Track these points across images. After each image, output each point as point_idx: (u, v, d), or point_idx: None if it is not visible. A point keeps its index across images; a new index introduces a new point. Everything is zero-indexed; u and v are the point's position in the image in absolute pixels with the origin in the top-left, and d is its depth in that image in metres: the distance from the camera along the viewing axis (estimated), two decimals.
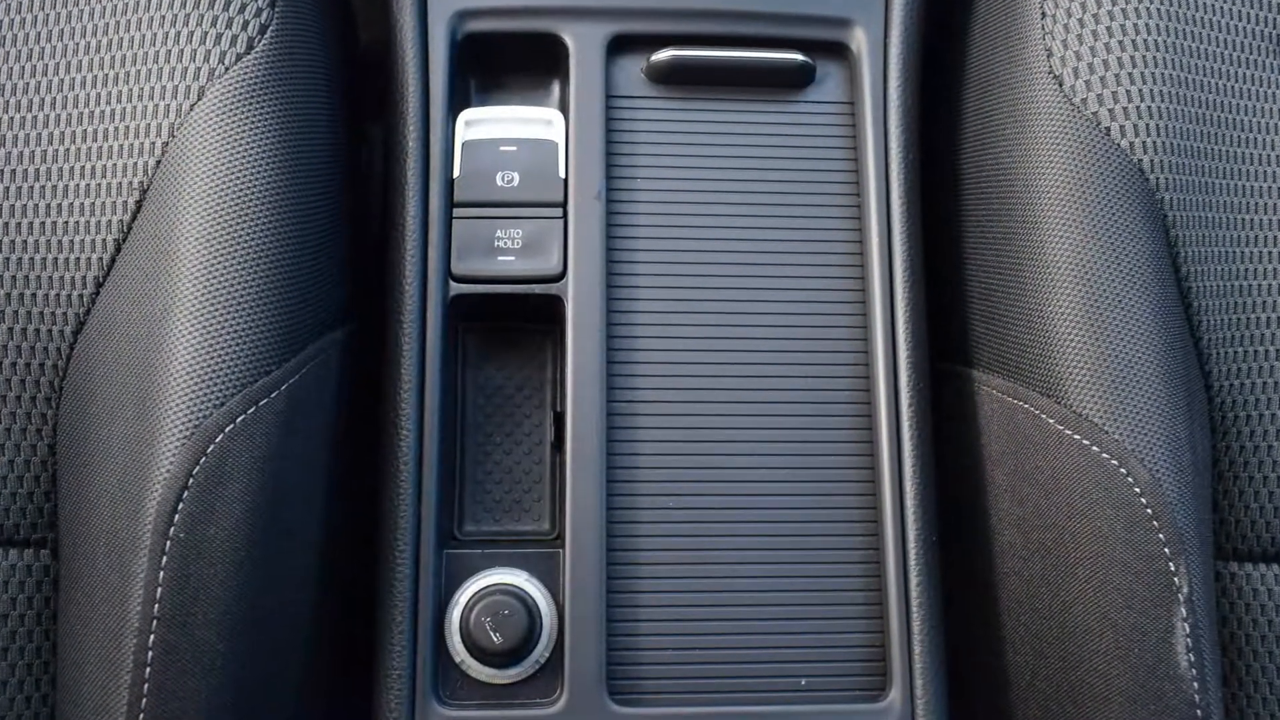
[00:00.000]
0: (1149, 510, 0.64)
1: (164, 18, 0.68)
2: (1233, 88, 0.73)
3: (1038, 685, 0.70)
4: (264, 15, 0.69)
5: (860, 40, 0.77)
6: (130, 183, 0.66)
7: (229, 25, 0.67)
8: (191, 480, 0.59)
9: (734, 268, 0.75)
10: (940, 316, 0.80)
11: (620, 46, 0.77)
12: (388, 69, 0.76)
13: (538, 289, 0.72)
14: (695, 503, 0.72)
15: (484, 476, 0.74)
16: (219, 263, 0.63)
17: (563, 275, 0.72)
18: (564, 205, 0.73)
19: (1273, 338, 0.71)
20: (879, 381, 0.73)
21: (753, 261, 0.75)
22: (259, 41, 0.68)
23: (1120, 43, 0.71)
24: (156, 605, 0.58)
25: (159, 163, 0.66)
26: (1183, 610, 0.63)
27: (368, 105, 0.82)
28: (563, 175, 0.74)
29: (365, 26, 0.88)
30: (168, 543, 0.58)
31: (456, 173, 0.74)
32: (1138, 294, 0.67)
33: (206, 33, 0.67)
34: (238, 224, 0.64)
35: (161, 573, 0.58)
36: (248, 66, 0.67)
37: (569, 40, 0.76)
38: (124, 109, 0.67)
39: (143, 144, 0.66)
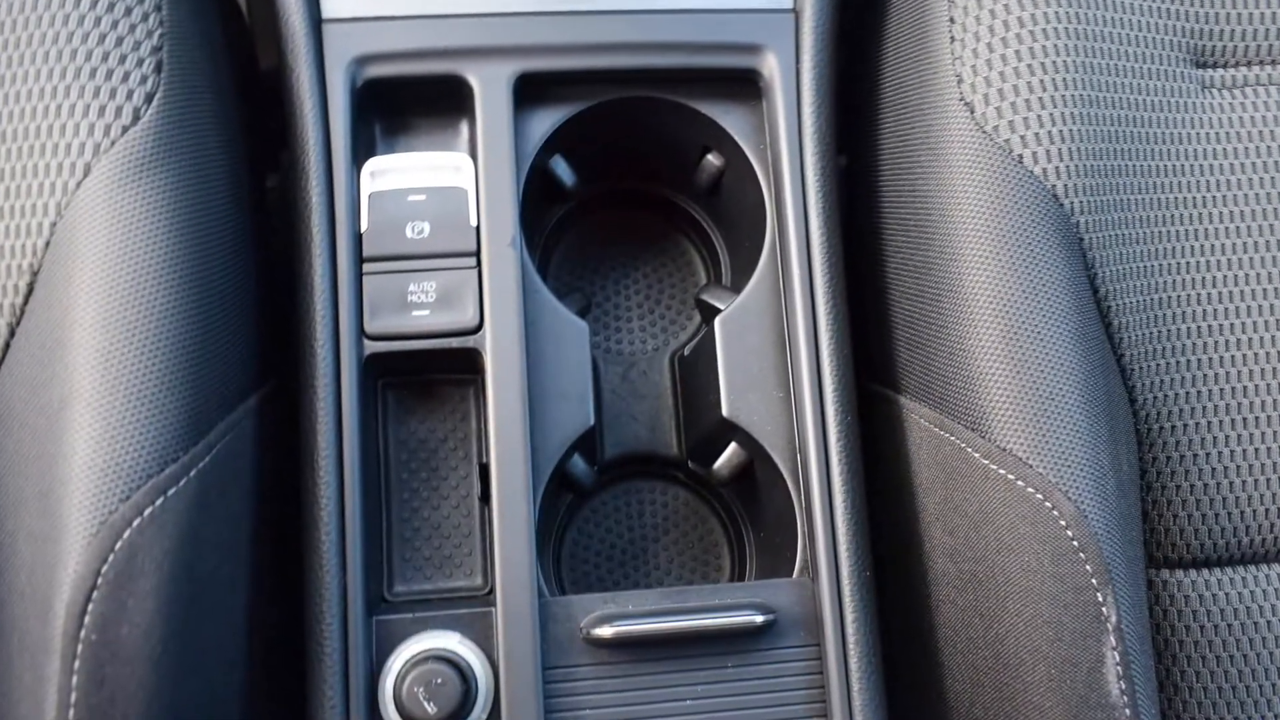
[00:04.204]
0: (1075, 543, 0.64)
1: (45, 90, 0.65)
2: (1144, 101, 0.73)
3: (975, 713, 0.70)
4: (149, 83, 0.66)
5: (772, 66, 0.76)
6: (20, 265, 0.64)
7: (112, 96, 0.64)
8: (100, 580, 0.56)
9: None
10: (867, 338, 0.79)
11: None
12: (285, 119, 0.73)
13: (454, 343, 0.71)
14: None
15: (412, 534, 0.73)
16: (116, 349, 0.60)
17: (479, 327, 0.71)
18: (477, 255, 0.71)
19: (1191, 348, 0.72)
20: (806, 410, 0.72)
21: None
22: (145, 111, 0.65)
23: (1029, 66, 0.70)
24: (71, 710, 0.56)
25: (48, 244, 0.63)
26: (1112, 639, 0.63)
27: (275, 133, 0.78)
28: (474, 223, 0.72)
29: (264, 53, 0.84)
30: (79, 645, 0.56)
31: (364, 226, 0.71)
32: (1057, 325, 0.67)
33: (89, 105, 0.64)
34: (134, 307, 0.61)
35: (75, 677, 0.56)
36: (134, 139, 0.64)
37: (474, 81, 0.73)
38: (9, 187, 0.64)
39: (29, 224, 0.64)
